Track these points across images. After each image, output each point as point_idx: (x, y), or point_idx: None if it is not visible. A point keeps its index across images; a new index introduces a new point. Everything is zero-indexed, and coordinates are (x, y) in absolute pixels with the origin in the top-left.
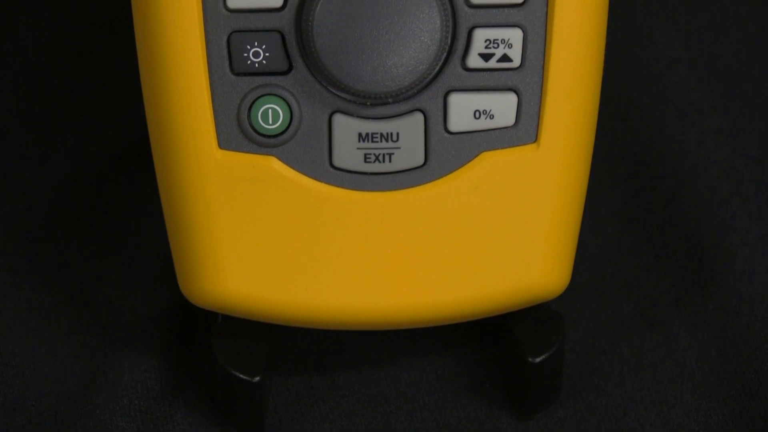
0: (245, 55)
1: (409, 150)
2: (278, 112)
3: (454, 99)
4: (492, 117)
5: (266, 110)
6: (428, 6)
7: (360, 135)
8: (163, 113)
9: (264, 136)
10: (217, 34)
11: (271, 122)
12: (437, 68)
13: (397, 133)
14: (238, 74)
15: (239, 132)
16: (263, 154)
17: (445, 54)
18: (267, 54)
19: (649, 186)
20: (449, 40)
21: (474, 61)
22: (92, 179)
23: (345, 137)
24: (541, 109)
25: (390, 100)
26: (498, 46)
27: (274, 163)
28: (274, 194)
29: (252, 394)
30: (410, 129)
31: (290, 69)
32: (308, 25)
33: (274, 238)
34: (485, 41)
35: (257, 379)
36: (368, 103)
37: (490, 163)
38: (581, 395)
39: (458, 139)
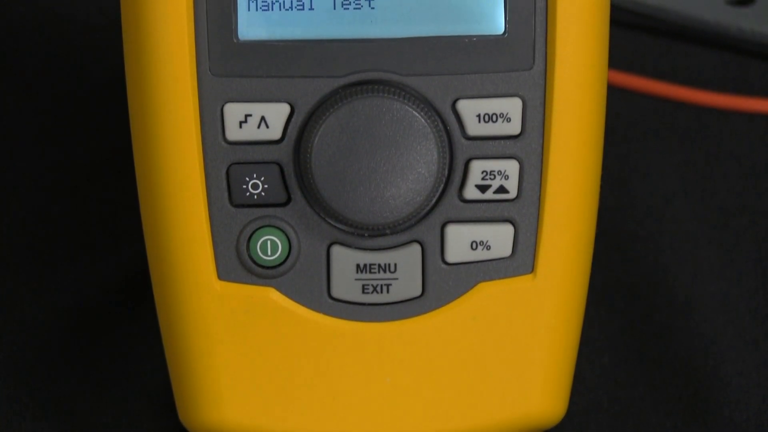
0: (244, 187)
1: (407, 281)
2: (277, 244)
3: (451, 230)
4: (489, 248)
5: (265, 242)
6: (425, 138)
7: (358, 266)
8: (162, 244)
9: (263, 267)
10: (216, 166)
11: (269, 254)
12: (434, 200)
13: (395, 264)
14: (237, 206)
15: (238, 263)
16: (262, 285)
17: (442, 185)
18: (266, 186)
19: (644, 317)
20: (446, 172)
21: (471, 192)
22: (92, 311)
23: (343, 269)
24: (538, 240)
25: (388, 231)
26: (495, 177)
27: (272, 294)
28: (273, 325)
29: None
30: (408, 260)
31: (289, 201)
32: (306, 157)
33: (274, 368)
34: (482, 173)
35: None
36: (366, 235)
37: (487, 293)
38: None
39: (455, 269)
